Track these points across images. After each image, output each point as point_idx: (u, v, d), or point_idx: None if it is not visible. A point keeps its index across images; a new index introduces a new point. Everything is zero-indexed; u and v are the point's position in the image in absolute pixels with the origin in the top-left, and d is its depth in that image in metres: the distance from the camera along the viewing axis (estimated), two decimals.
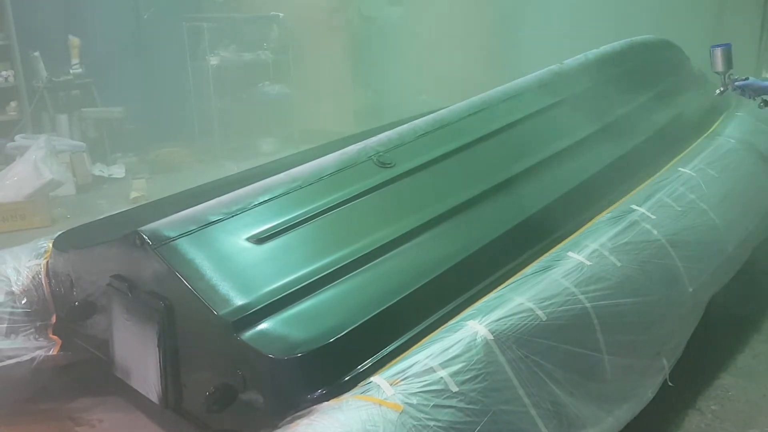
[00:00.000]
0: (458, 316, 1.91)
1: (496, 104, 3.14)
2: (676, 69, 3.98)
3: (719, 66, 2.94)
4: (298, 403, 1.67)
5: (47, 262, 2.59)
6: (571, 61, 3.59)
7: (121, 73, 6.57)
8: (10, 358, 2.49)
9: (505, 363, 1.73)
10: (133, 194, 5.52)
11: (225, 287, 1.94)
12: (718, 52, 2.93)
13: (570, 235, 2.40)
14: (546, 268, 2.10)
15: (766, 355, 2.83)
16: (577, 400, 1.86)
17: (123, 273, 2.18)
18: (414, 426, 1.52)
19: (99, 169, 6.25)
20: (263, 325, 1.86)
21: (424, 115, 3.01)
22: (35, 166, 5.08)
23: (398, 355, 1.80)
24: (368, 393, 1.60)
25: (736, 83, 2.92)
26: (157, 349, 2.02)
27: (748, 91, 2.88)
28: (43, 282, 2.56)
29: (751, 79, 2.91)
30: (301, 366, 1.74)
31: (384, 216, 2.36)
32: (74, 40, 6.48)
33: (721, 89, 2.98)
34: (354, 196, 2.41)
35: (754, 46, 5.39)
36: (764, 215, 3.04)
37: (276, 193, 2.35)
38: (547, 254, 2.26)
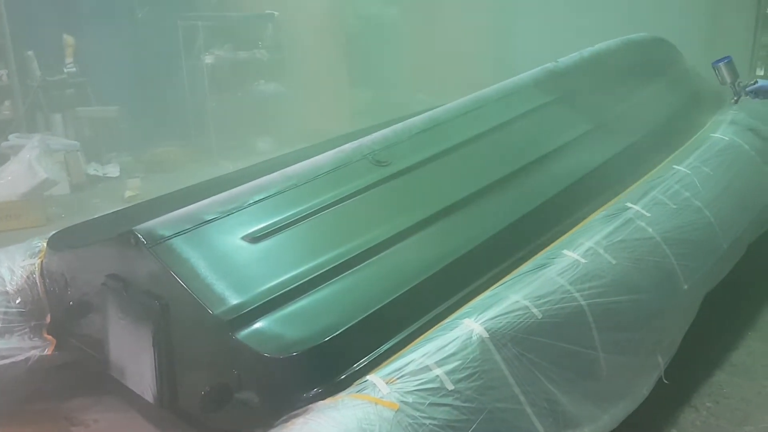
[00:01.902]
0: (454, 314, 1.91)
1: (491, 102, 3.14)
2: (670, 67, 3.99)
3: (726, 78, 3.13)
4: (293, 402, 1.66)
5: (42, 261, 2.57)
6: (566, 60, 3.59)
7: (116, 72, 6.55)
8: (4, 358, 2.47)
9: (500, 361, 1.73)
10: (128, 193, 5.51)
11: (220, 286, 1.93)
12: (722, 66, 3.12)
13: (565, 232, 2.40)
14: (541, 266, 2.10)
15: (760, 352, 2.84)
16: (572, 397, 1.86)
17: (118, 272, 2.17)
18: (410, 424, 1.52)
19: (94, 169, 6.24)
20: (259, 324, 1.85)
21: (420, 114, 3.01)
22: (29, 165, 5.06)
23: (394, 353, 1.80)
24: (364, 391, 1.59)
25: (748, 89, 3.09)
26: (152, 348, 2.01)
27: (762, 93, 3.04)
28: (37, 281, 2.55)
29: (761, 82, 3.09)
30: (296, 365, 1.74)
31: (379, 214, 2.36)
32: (68, 39, 6.46)
33: (735, 99, 3.17)
34: (349, 194, 2.41)
35: (749, 43, 5.42)
36: (759, 212, 3.05)
37: (271, 192, 2.35)
38: (542, 252, 2.26)
